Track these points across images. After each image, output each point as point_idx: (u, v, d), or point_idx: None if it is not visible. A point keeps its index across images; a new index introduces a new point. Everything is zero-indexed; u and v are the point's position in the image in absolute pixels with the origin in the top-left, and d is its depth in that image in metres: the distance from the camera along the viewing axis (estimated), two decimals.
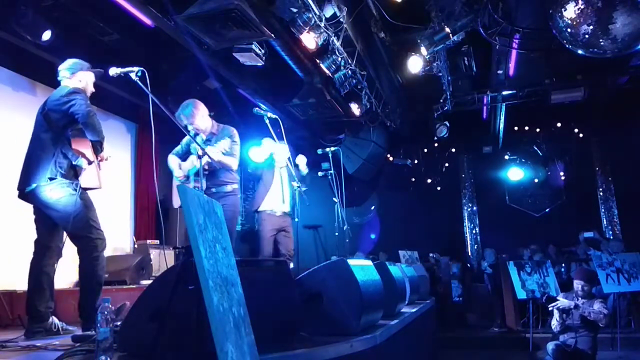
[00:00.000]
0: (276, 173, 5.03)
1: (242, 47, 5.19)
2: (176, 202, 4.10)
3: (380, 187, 11.02)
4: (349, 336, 2.50)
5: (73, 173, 3.19)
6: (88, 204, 3.17)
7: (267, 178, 5.01)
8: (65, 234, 3.21)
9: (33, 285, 3.12)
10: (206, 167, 3.83)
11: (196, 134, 3.99)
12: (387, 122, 8.35)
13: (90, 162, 3.26)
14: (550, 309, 4.64)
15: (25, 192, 3.11)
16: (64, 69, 3.30)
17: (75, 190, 3.10)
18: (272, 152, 4.96)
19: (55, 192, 3.06)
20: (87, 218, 3.09)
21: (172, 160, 4.15)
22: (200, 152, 3.46)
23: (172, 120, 3.68)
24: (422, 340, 4.85)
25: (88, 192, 3.28)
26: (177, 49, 5.69)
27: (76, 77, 3.30)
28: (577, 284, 4.61)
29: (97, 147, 3.22)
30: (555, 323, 4.61)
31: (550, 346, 4.57)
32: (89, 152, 3.22)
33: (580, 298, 4.56)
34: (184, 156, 4.17)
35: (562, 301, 4.59)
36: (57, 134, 3.14)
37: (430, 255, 9.24)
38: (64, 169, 3.11)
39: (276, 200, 4.95)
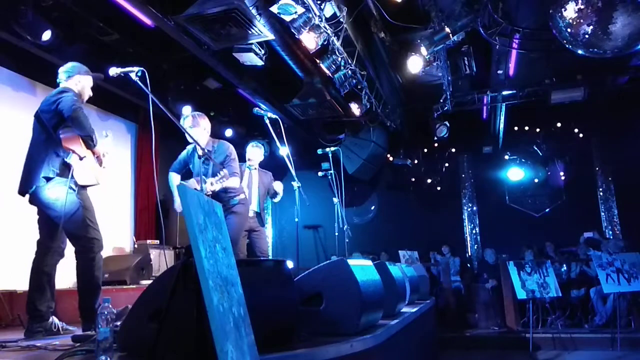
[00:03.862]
0: (246, 174, 5.13)
1: (242, 47, 5.21)
2: (178, 206, 4.00)
3: (380, 187, 11.01)
4: (349, 336, 2.50)
5: (67, 171, 3.16)
6: (86, 203, 3.17)
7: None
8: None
9: (34, 285, 3.12)
10: (209, 193, 3.66)
11: (194, 150, 3.89)
12: (387, 122, 8.35)
13: (81, 158, 3.18)
14: None
15: (29, 194, 3.13)
16: (62, 71, 3.32)
17: (72, 189, 3.09)
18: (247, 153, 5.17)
19: (53, 192, 3.07)
20: (83, 217, 3.10)
21: (174, 180, 4.07)
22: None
23: (172, 120, 3.67)
24: (422, 340, 4.85)
25: (88, 191, 3.27)
26: (177, 49, 5.69)
27: (73, 80, 3.31)
28: None
29: (89, 143, 3.17)
30: None
31: None
32: (79, 148, 3.15)
33: None
34: (182, 170, 4.11)
35: None
36: (49, 135, 3.13)
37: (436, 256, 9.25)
38: (57, 168, 3.10)
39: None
